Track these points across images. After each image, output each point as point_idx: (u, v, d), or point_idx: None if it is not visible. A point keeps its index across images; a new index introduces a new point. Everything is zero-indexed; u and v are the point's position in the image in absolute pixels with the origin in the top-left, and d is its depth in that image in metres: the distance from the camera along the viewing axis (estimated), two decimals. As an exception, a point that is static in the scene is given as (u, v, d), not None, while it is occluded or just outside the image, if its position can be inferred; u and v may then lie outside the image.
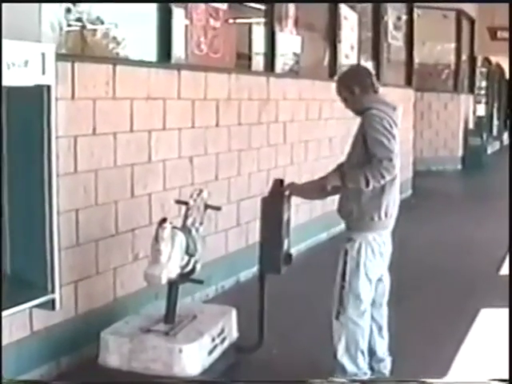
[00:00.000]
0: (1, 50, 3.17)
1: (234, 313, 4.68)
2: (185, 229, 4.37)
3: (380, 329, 4.38)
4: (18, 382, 3.93)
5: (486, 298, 6.00)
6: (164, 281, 4.18)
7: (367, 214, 4.11)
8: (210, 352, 4.32)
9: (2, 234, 3.63)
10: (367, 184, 3.98)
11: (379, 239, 4.19)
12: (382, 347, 4.39)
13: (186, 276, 4.40)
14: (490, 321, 5.53)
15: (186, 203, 4.55)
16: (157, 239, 4.15)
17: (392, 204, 4.17)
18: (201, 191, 4.56)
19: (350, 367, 4.19)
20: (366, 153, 4.02)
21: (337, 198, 4.33)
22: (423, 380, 3.87)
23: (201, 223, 4.50)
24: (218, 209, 4.82)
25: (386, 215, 4.14)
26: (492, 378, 3.90)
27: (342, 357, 4.20)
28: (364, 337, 4.23)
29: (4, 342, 3.87)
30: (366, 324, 4.25)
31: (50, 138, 3.57)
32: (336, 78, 4.55)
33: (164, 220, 4.19)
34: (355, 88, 4.22)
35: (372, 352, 4.34)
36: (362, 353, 4.23)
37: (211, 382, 4.28)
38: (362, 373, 4.21)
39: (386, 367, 4.37)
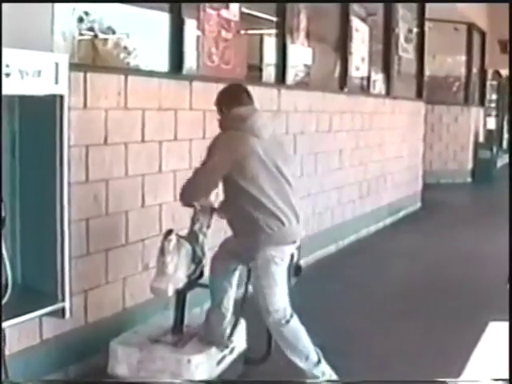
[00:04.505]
0: (1, 51, 3.18)
1: (242, 323, 4.68)
2: (192, 236, 4.32)
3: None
4: (17, 382, 3.93)
5: (496, 310, 5.97)
6: (170, 293, 4.16)
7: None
8: (219, 363, 4.32)
9: (2, 243, 3.61)
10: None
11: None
12: None
13: (193, 282, 4.38)
14: (498, 334, 5.51)
15: (192, 206, 4.52)
16: (162, 252, 4.12)
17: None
18: None
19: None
20: None
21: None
22: (429, 380, 3.86)
23: (208, 226, 4.44)
24: None
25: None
26: (492, 378, 3.88)
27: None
28: None
29: (13, 350, 3.90)
30: None
31: (63, 147, 3.58)
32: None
33: (169, 232, 4.16)
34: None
35: None
36: None
37: (212, 382, 4.28)
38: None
39: None
